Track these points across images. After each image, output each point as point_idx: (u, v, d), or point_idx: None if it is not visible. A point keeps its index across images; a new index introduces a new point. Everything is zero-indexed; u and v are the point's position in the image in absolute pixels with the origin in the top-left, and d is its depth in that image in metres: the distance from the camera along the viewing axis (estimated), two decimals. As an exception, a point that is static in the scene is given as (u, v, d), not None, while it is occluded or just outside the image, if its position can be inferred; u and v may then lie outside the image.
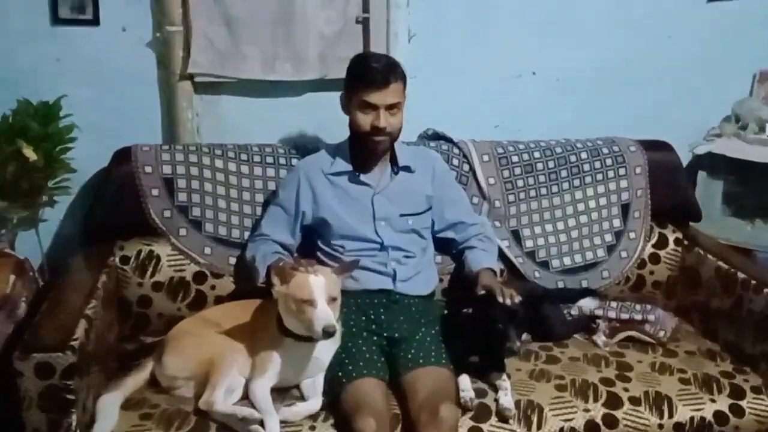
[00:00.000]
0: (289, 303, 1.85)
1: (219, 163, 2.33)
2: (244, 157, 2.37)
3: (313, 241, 2.26)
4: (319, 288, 1.82)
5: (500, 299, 1.97)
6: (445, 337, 2.08)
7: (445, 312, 2.25)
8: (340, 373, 1.94)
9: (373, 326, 2.10)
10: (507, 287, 2.03)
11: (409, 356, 2.01)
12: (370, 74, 2.07)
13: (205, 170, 2.31)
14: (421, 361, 1.98)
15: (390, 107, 2.10)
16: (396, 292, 2.16)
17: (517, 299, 1.97)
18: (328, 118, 2.60)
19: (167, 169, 2.27)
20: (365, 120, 2.11)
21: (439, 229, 2.34)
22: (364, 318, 2.11)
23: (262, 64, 2.54)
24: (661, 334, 2.30)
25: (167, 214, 2.27)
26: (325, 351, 1.95)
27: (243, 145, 2.41)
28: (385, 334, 2.08)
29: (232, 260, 2.30)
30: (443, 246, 2.38)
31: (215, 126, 2.61)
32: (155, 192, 2.26)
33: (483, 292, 2.05)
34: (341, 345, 1.99)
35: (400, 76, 2.12)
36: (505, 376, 2.01)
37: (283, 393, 1.95)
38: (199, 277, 2.28)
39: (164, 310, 2.26)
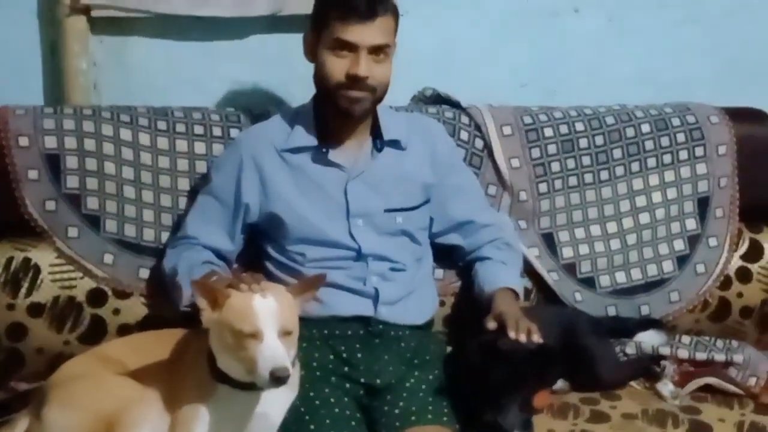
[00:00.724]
0: (224, 335, 1.84)
1: (126, 134, 2.33)
2: (162, 125, 2.36)
3: (261, 248, 2.27)
4: (267, 314, 1.81)
5: (512, 334, 1.97)
6: (449, 385, 2.09)
7: (449, 349, 2.26)
8: (298, 436, 1.95)
9: (346, 369, 2.10)
10: (531, 317, 2.05)
11: (397, 412, 2.02)
12: (351, 1, 2.09)
13: (105, 144, 2.30)
14: (413, 418, 2.00)
15: (375, 50, 2.11)
16: (378, 321, 2.17)
17: (536, 338, 1.97)
18: (283, 71, 2.62)
19: (51, 142, 2.26)
20: (339, 66, 2.12)
21: (440, 232, 2.35)
22: (332, 357, 2.12)
23: (188, -7, 2.55)
24: (752, 381, 2.33)
25: (50, 206, 2.26)
26: (275, 404, 1.95)
27: (161, 108, 2.41)
28: (362, 381, 2.09)
29: (144, 273, 2.30)
30: (446, 255, 2.39)
31: (121, 81, 2.60)
32: (33, 175, 2.26)
33: (493, 325, 2.05)
34: (300, 395, 1.99)
35: (391, 9, 2.14)
36: (531, 441, 2.03)
37: (217, 464, 1.95)
38: (97, 296, 2.28)
39: (45, 344, 2.25)
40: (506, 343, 1.98)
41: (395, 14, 2.16)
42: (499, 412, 1.94)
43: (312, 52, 2.19)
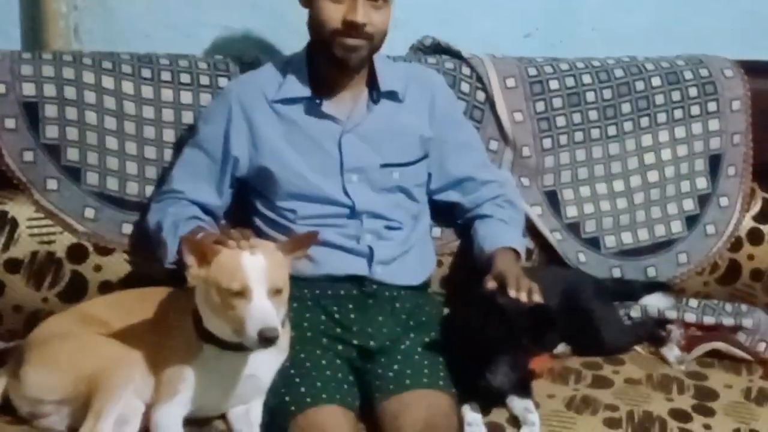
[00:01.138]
0: (211, 294, 1.84)
1: (108, 82, 2.32)
2: (146, 73, 2.35)
3: (250, 203, 2.26)
4: (256, 272, 1.81)
5: (512, 293, 1.99)
6: (446, 348, 2.09)
7: (446, 311, 2.27)
8: (287, 399, 1.95)
9: (339, 330, 2.11)
10: (532, 278, 2.05)
11: (391, 375, 2.02)
12: None
13: (86, 92, 2.29)
14: (408, 382, 2.00)
15: None
16: (373, 281, 2.18)
17: (537, 297, 1.98)
18: (273, 18, 2.60)
19: (29, 89, 2.25)
20: (335, 12, 2.10)
21: (438, 188, 2.35)
22: (325, 318, 2.12)
23: (175, -66, 2.53)
24: (762, 347, 2.34)
25: (28, 156, 2.26)
26: (264, 366, 1.96)
27: (145, 54, 2.39)
28: (355, 342, 2.09)
29: (127, 228, 2.30)
30: (444, 213, 2.39)
31: (103, 26, 2.58)
32: (10, 123, 2.25)
33: (493, 284, 2.06)
34: (290, 357, 2.00)
35: None
36: (531, 405, 2.03)
37: (203, 427, 1.95)
38: (77, 252, 2.28)
39: (23, 302, 2.26)
40: (504, 299, 1.99)
41: None
42: (489, 369, 1.94)
43: None
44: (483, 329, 1.96)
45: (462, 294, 2.29)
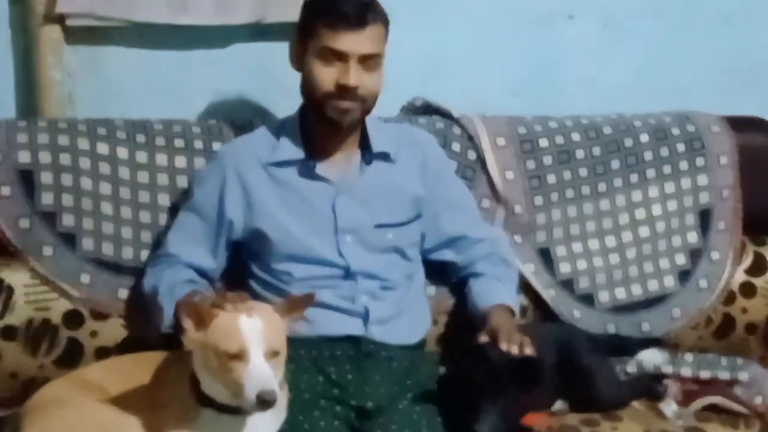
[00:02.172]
0: (208, 357, 1.85)
1: (103, 148, 2.34)
2: (140, 138, 2.37)
3: (246, 266, 2.28)
4: (253, 334, 1.81)
5: (503, 346, 1.99)
6: (444, 408, 2.09)
7: (442, 370, 2.26)
8: (286, 462, 1.95)
9: (336, 391, 2.11)
10: (527, 335, 2.05)
11: (389, 435, 2.02)
12: (338, 7, 2.11)
13: (81, 158, 2.31)
14: (406, 442, 2.00)
15: (365, 59, 2.13)
16: (369, 341, 2.18)
17: (528, 351, 1.98)
18: (266, 82, 2.63)
19: (24, 157, 2.27)
20: (328, 75, 2.13)
21: (432, 247, 2.37)
22: (322, 379, 2.12)
23: (166, 1, 2.55)
24: (759, 400, 2.34)
25: (24, 224, 2.27)
26: (263, 428, 1.94)
27: (139, 121, 2.42)
28: (352, 403, 2.09)
29: (123, 293, 2.31)
30: (439, 272, 2.41)
31: (98, 93, 2.61)
32: (6, 191, 2.26)
33: (485, 339, 2.06)
34: (288, 419, 1.99)
35: (380, 16, 2.16)
36: (530, 464, 2.04)
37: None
38: (73, 318, 2.28)
39: (19, 369, 2.25)
40: (493, 349, 1.99)
41: (385, 22, 2.17)
42: (477, 418, 1.94)
43: (299, 61, 2.20)
44: (470, 378, 1.97)
45: (453, 348, 2.30)
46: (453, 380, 2.05)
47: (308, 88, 2.18)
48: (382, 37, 2.16)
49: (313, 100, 2.18)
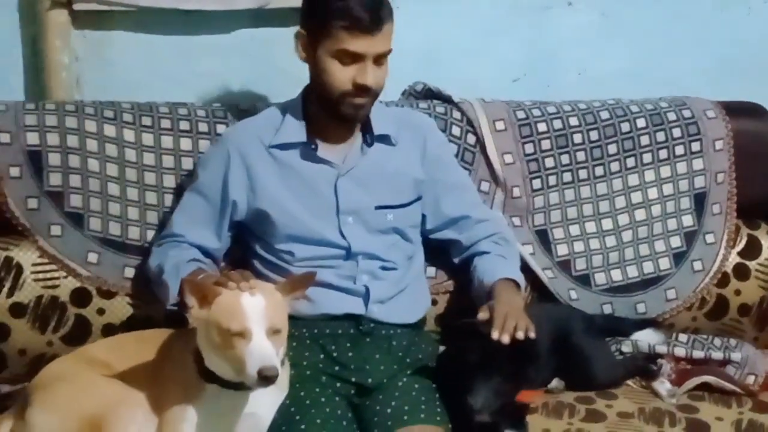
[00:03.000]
0: (212, 334, 1.87)
1: (110, 131, 2.35)
2: (146, 121, 2.39)
3: (249, 246, 2.29)
4: (255, 313, 1.84)
5: (495, 334, 1.97)
6: (442, 385, 2.12)
7: (441, 348, 2.29)
8: (287, 436, 1.97)
9: (337, 368, 2.13)
10: (527, 313, 2.07)
11: (389, 411, 2.04)
12: (356, 11, 2.09)
13: (89, 140, 2.33)
14: (405, 418, 2.01)
15: (378, 57, 2.14)
16: (369, 320, 2.20)
17: (520, 335, 1.97)
18: (269, 66, 2.64)
19: (33, 138, 2.29)
20: (345, 75, 2.14)
21: (434, 228, 2.39)
22: (323, 356, 2.14)
23: (173, -14, 2.58)
24: (751, 379, 2.37)
25: (33, 204, 2.28)
26: (265, 404, 1.97)
27: (145, 104, 2.43)
28: (353, 380, 2.12)
29: (129, 272, 2.33)
30: (439, 253, 2.43)
31: (104, 76, 2.63)
32: (15, 172, 2.28)
33: (484, 315, 2.05)
34: (290, 395, 2.02)
35: (390, 14, 2.16)
36: (526, 440, 2.06)
37: (205, 465, 1.97)
38: (81, 296, 2.30)
39: (28, 345, 2.27)
40: (488, 326, 2.00)
41: (392, 17, 2.17)
42: (470, 393, 1.97)
43: (307, 52, 2.19)
44: (464, 356, 2.00)
45: (450, 326, 2.32)
46: (447, 358, 2.07)
47: (323, 86, 2.17)
48: (391, 33, 2.16)
49: (327, 97, 2.18)
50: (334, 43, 2.12)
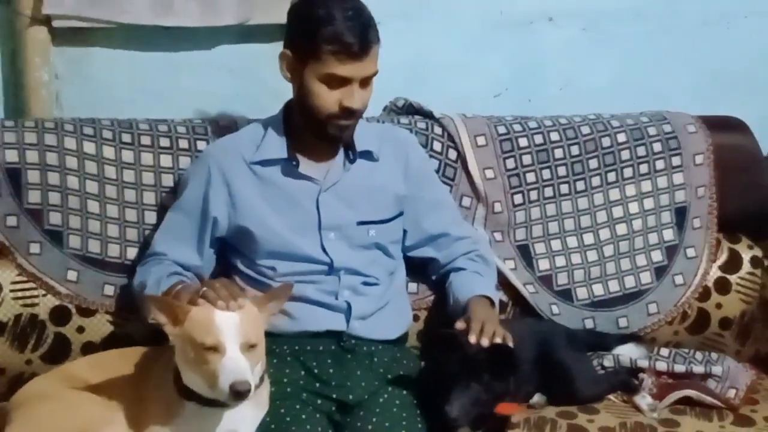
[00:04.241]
0: (186, 349, 1.87)
1: (89, 148, 2.35)
2: (126, 138, 2.39)
3: (230, 262, 2.30)
4: (229, 327, 1.83)
5: (472, 338, 2.00)
6: (423, 401, 2.11)
7: (422, 364, 2.29)
8: (268, 454, 1.97)
9: (317, 385, 2.13)
10: (507, 328, 2.07)
11: (370, 428, 2.04)
12: (343, 36, 2.09)
13: (68, 157, 2.33)
14: (386, 435, 2.03)
15: (365, 79, 2.15)
16: (351, 336, 2.20)
17: (499, 339, 1.99)
18: (251, 82, 2.65)
19: (12, 156, 2.28)
20: (332, 98, 2.14)
21: (413, 244, 2.39)
22: (303, 373, 2.14)
23: (152, 2, 2.57)
24: (732, 393, 2.36)
25: (11, 221, 2.28)
26: (245, 421, 1.97)
27: (125, 120, 2.43)
28: (334, 396, 2.12)
29: (109, 289, 2.32)
30: (420, 269, 2.43)
31: (84, 93, 2.63)
32: (-7, 189, 2.28)
33: (462, 325, 2.08)
34: (270, 412, 2.01)
35: (376, 34, 2.15)
36: (507, 456, 2.07)
37: (185, 484, 1.96)
38: (60, 314, 2.30)
39: (7, 364, 2.26)
40: (464, 336, 2.02)
41: (379, 38, 2.17)
42: (448, 401, 1.96)
43: (292, 72, 2.18)
44: (442, 365, 2.01)
45: (429, 337, 2.33)
46: (426, 369, 2.07)
47: (309, 108, 2.17)
48: (377, 54, 2.16)
49: (313, 119, 2.18)
50: (322, 67, 2.12)
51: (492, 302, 2.25)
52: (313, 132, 2.21)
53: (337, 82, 2.12)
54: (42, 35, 2.54)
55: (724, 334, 2.64)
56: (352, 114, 2.16)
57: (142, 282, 2.18)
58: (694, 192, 2.66)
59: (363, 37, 2.10)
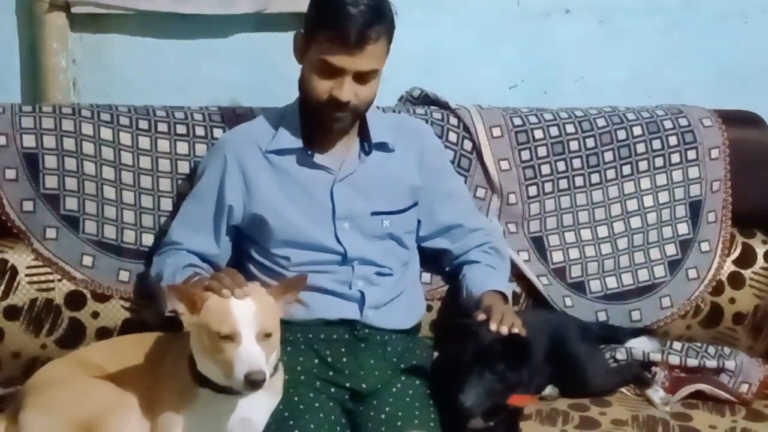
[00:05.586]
0: (202, 337, 1.86)
1: (106, 134, 2.35)
2: (143, 125, 2.39)
3: (244, 250, 2.29)
4: (245, 316, 1.83)
5: (492, 326, 2.00)
6: (436, 391, 2.11)
7: (435, 354, 2.29)
8: (281, 441, 1.97)
9: (331, 373, 2.13)
10: (521, 320, 2.07)
11: (383, 417, 2.04)
12: (341, 23, 2.07)
13: (85, 143, 2.33)
14: (399, 424, 2.02)
15: (361, 75, 2.12)
16: (364, 325, 2.20)
17: (517, 329, 2.00)
18: (267, 71, 2.65)
19: (29, 141, 2.29)
20: (322, 86, 2.12)
21: (427, 235, 2.38)
22: (317, 361, 2.14)
23: (171, -10, 2.59)
24: (744, 388, 2.36)
25: (28, 206, 2.28)
26: (258, 409, 1.97)
27: (142, 107, 2.43)
28: (347, 385, 2.11)
29: (124, 275, 2.33)
30: (433, 259, 2.42)
31: (101, 79, 2.64)
32: (11, 174, 2.27)
33: (482, 316, 2.08)
34: (284, 400, 2.01)
35: (384, 32, 2.12)
36: (519, 447, 2.06)
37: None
38: (75, 299, 2.30)
39: (22, 348, 2.27)
40: (481, 327, 2.02)
41: (389, 36, 2.14)
42: (462, 390, 1.96)
43: (301, 55, 2.18)
44: (456, 355, 2.00)
45: (444, 328, 2.32)
46: (441, 359, 2.06)
47: (304, 93, 2.17)
48: (381, 54, 2.13)
49: (308, 106, 2.18)
50: (317, 51, 2.11)
51: (505, 297, 2.25)
52: (311, 118, 2.20)
53: (330, 70, 2.10)
54: (60, 21, 2.55)
55: (737, 329, 2.63)
56: (341, 106, 2.12)
57: (158, 273, 2.18)
58: (709, 186, 2.65)
59: (362, 30, 2.06)
